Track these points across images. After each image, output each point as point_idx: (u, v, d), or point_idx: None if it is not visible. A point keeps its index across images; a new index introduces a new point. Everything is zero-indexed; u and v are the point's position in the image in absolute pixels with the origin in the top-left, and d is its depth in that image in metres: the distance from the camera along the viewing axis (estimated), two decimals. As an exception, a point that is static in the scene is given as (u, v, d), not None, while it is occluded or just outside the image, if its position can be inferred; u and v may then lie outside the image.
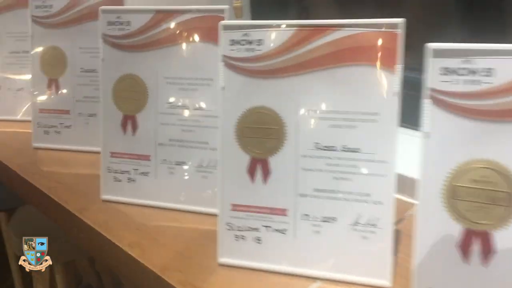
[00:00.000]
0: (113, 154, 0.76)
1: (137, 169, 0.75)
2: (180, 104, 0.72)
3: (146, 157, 0.75)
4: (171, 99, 0.73)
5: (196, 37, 0.70)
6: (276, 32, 0.57)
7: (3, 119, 1.16)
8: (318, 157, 0.56)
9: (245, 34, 0.58)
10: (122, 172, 0.76)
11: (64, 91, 0.97)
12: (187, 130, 0.72)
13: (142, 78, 0.74)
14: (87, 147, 0.96)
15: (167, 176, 0.74)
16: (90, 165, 0.90)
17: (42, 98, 0.98)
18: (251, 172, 0.59)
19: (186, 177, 0.73)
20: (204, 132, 0.71)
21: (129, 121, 0.75)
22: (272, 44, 0.57)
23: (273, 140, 0.58)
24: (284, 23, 0.57)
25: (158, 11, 0.72)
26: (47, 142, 0.98)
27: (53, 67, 0.97)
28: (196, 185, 0.72)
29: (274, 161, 0.58)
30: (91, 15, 0.94)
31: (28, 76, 1.13)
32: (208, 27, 0.70)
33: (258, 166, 0.59)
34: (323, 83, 0.56)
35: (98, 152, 0.93)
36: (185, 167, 0.73)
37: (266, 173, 0.58)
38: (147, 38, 0.73)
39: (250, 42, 0.58)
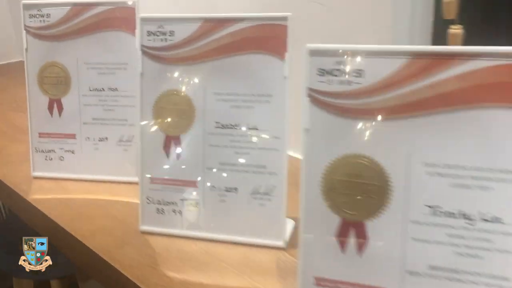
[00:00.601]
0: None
1: None
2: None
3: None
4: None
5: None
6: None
7: (78, 178, 0.87)
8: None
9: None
10: None
11: (188, 154, 0.68)
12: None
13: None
14: (224, 235, 0.67)
15: None
16: (236, 268, 0.61)
17: (156, 162, 0.69)
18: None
19: None
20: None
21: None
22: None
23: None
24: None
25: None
26: (162, 225, 0.69)
27: (175, 121, 0.68)
28: None
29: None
30: (224, 49, 0.66)
31: (117, 123, 0.85)
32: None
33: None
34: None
35: (243, 244, 0.65)
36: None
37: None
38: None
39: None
